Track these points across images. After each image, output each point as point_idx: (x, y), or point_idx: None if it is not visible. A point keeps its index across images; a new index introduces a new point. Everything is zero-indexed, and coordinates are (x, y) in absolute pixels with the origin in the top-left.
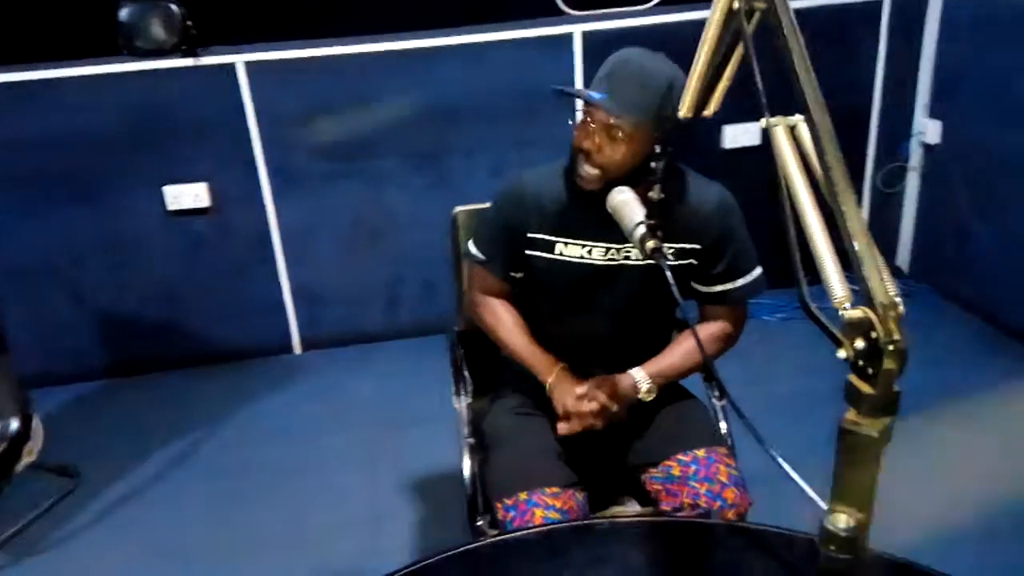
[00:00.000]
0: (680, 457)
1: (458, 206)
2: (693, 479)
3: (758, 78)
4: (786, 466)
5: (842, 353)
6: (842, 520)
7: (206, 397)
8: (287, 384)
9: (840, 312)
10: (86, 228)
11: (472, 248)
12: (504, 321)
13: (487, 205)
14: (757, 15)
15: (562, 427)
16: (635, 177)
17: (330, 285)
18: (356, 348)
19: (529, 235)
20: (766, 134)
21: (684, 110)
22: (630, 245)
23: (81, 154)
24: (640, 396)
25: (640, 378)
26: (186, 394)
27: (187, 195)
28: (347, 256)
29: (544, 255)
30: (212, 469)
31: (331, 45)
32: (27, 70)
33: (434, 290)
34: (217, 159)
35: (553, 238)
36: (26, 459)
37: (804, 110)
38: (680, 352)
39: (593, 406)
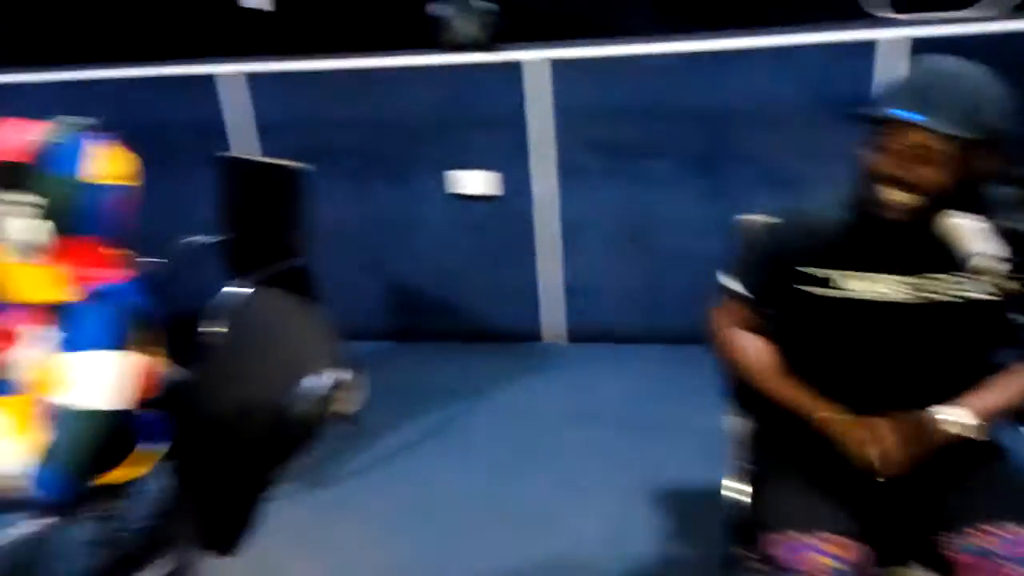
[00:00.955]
0: (997, 531)
1: (739, 215)
2: (1013, 560)
3: None
4: None
5: None
6: None
7: (472, 371)
8: (545, 372)
9: None
10: (385, 202)
11: (729, 280)
12: (761, 357)
13: (766, 219)
14: None
15: (863, 462)
16: (957, 202)
17: (598, 281)
18: (616, 346)
19: (799, 268)
20: None
21: None
22: (939, 279)
23: (387, 137)
24: (964, 434)
25: (957, 415)
26: (455, 365)
27: (472, 181)
28: (616, 254)
29: (818, 290)
30: (469, 439)
31: (629, 44)
32: (353, 59)
33: (700, 299)
34: (505, 149)
35: (831, 272)
36: (349, 407)
37: None
38: (1016, 385)
39: (897, 445)
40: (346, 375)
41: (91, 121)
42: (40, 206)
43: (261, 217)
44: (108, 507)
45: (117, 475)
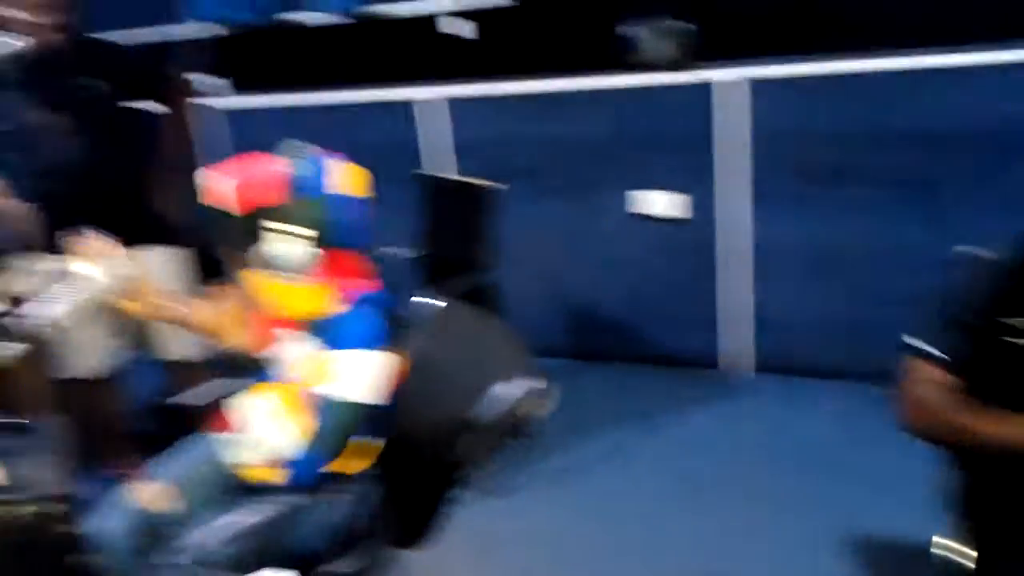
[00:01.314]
0: None
1: (960, 247)
2: None
3: None
4: None
5: None
6: None
7: (647, 395)
8: (726, 402)
9: None
10: (567, 221)
11: (918, 342)
12: (976, 415)
13: (989, 253)
14: None
15: None
16: None
17: (791, 310)
18: (805, 380)
19: (1007, 321)
20: None
21: None
22: None
23: (572, 156)
24: None
25: None
26: (631, 388)
27: (658, 203)
28: (813, 283)
29: None
30: (640, 466)
31: (838, 61)
32: (542, 81)
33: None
34: (693, 171)
35: None
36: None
37: None
38: None
39: None
40: (538, 383)
41: (306, 144)
42: (303, 229)
43: (454, 233)
44: (337, 493)
45: (347, 464)
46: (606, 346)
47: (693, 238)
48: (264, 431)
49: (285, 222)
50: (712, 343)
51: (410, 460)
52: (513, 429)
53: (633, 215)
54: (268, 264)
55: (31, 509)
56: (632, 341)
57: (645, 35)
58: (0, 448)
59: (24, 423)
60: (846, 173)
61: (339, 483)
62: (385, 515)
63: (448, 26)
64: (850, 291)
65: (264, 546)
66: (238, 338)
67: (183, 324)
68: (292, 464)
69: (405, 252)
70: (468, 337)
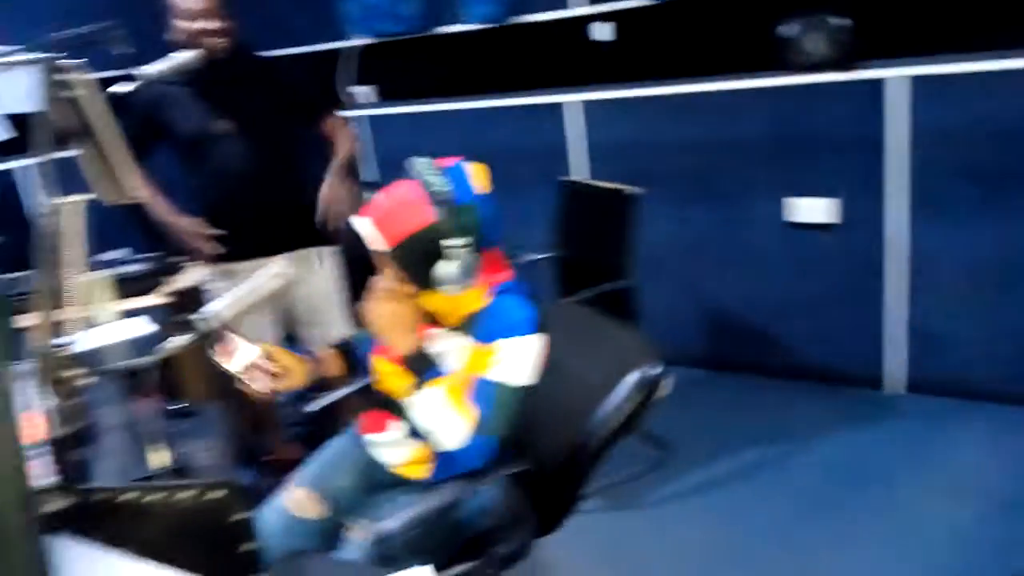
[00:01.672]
0: None
1: None
2: None
3: None
4: None
5: None
6: None
7: (794, 412)
8: (877, 422)
9: None
10: (710, 226)
11: None
12: None
13: None
14: None
15: None
16: None
17: (952, 326)
18: (973, 404)
19: None
20: None
21: None
22: None
23: (716, 159)
24: None
25: None
26: (776, 403)
27: (811, 209)
28: (976, 296)
29: None
30: (783, 486)
31: (1006, 58)
32: (690, 83)
33: None
34: (850, 176)
35: None
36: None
37: None
38: None
39: None
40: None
41: (429, 158)
42: (459, 239)
43: (593, 238)
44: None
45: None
46: (754, 358)
47: (847, 246)
48: (434, 424)
49: (442, 238)
50: (874, 361)
51: (544, 452)
52: (632, 418)
53: (785, 222)
54: (437, 284)
55: (196, 494)
56: (783, 354)
57: (801, 33)
58: (168, 432)
59: (190, 408)
60: (1014, 177)
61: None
62: (526, 501)
63: (597, 32)
64: (1018, 306)
65: (439, 532)
66: (404, 342)
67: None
68: (467, 451)
69: (541, 254)
70: (584, 335)
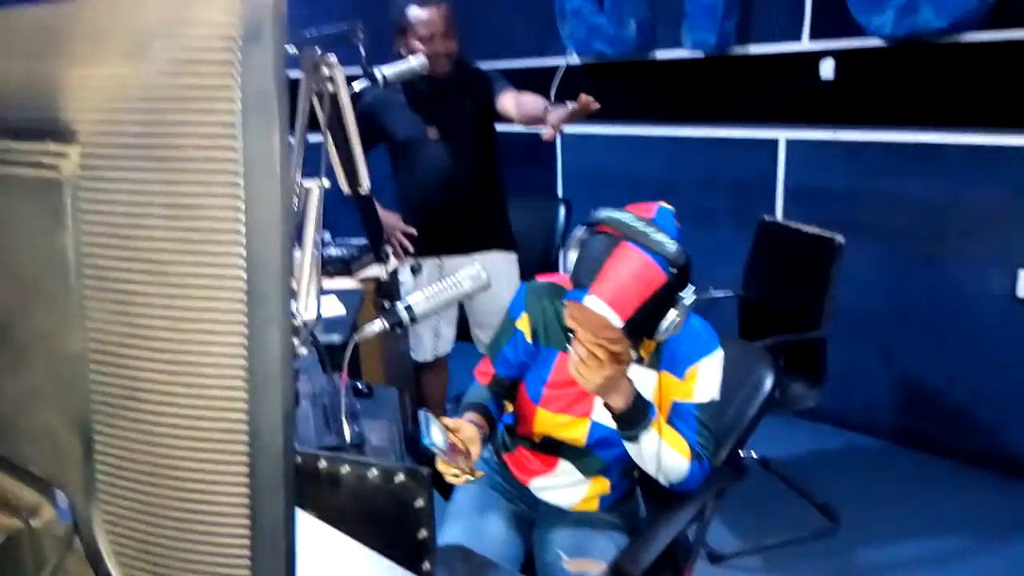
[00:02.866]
0: None
1: None
2: None
3: None
4: None
5: None
6: None
7: (986, 504)
8: None
9: None
10: (922, 290)
11: None
12: None
13: None
14: None
15: None
16: None
17: None
18: None
19: None
20: None
21: None
22: None
23: (938, 217)
24: None
25: None
26: (966, 491)
27: None
28: None
29: None
30: None
31: None
32: (928, 132)
33: None
34: None
35: None
36: None
37: None
38: None
39: None
40: None
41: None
42: (691, 288)
43: (786, 282)
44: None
45: None
46: (944, 438)
47: None
48: (656, 467)
49: (672, 294)
50: None
51: None
52: None
53: (1015, 297)
54: (660, 333)
55: (386, 474)
56: (976, 438)
57: None
58: (349, 408)
59: (369, 386)
60: None
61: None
62: None
63: (825, 70)
64: None
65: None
66: (623, 398)
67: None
68: (682, 484)
69: (727, 292)
70: None
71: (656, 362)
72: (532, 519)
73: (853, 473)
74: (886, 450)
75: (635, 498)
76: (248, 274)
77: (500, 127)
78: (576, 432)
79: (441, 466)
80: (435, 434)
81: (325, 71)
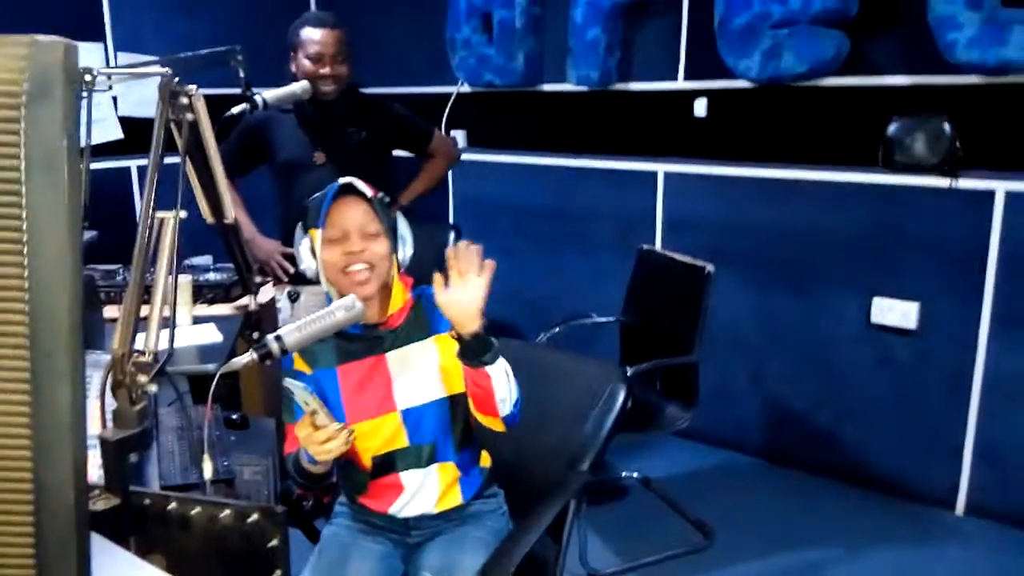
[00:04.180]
0: None
1: None
2: None
3: None
4: None
5: None
6: None
7: (849, 518)
8: (934, 543)
9: None
10: (788, 316)
11: None
12: None
13: None
14: None
15: None
16: None
17: (1020, 451)
18: None
19: None
20: None
21: None
22: None
23: (802, 248)
24: None
25: None
26: (831, 506)
27: (898, 312)
28: None
29: None
30: None
31: None
32: (792, 169)
33: None
34: (937, 283)
35: None
36: None
37: None
38: None
39: None
40: None
41: None
42: None
43: (662, 308)
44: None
45: None
46: (809, 455)
47: (930, 355)
48: (510, 377)
49: None
50: (934, 475)
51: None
52: None
53: (870, 322)
54: None
55: (239, 514)
56: (838, 454)
57: (906, 135)
58: (220, 441)
59: (244, 417)
60: None
61: None
62: None
63: (699, 108)
64: None
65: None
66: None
67: None
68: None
69: (608, 318)
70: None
71: (427, 332)
72: (409, 547)
73: (726, 490)
74: (757, 467)
75: (503, 513)
76: (31, 331)
77: (397, 153)
78: (391, 428)
79: (320, 428)
80: (305, 396)
81: (183, 99)
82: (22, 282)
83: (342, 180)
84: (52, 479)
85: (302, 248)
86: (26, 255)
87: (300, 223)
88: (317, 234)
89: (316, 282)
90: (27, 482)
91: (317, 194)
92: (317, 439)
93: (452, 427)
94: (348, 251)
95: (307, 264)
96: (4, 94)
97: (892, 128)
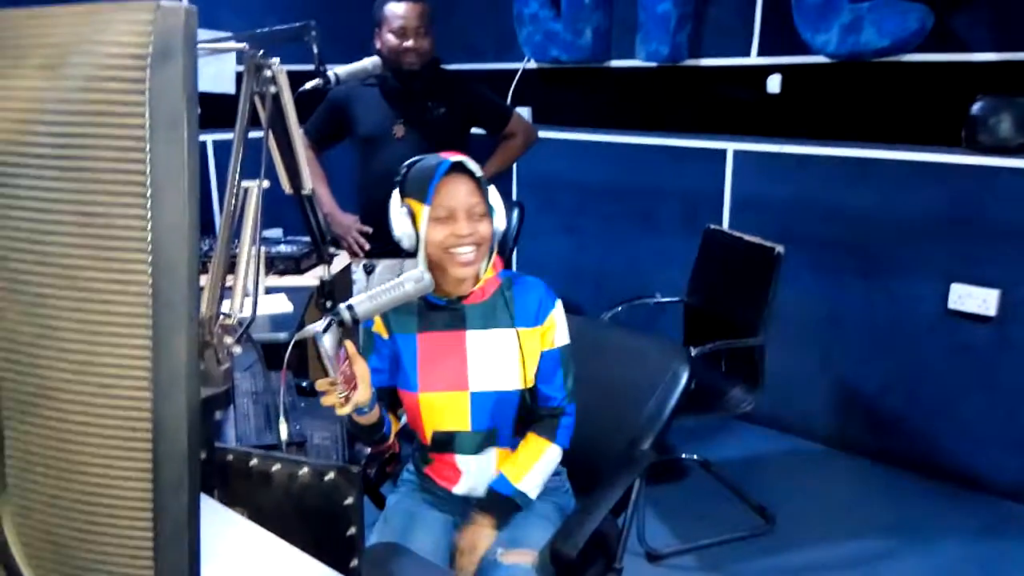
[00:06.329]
0: None
1: None
2: None
3: None
4: None
5: None
6: None
7: (917, 509)
8: (1007, 536)
9: None
10: (859, 300)
11: None
12: None
13: None
14: None
15: None
16: None
17: None
18: None
19: None
20: None
21: None
22: None
23: (877, 230)
24: None
25: None
26: (899, 496)
27: (977, 299)
28: None
29: None
30: None
31: None
32: (868, 148)
33: None
34: (1019, 270)
35: None
36: None
37: None
38: None
39: None
40: None
41: None
42: None
43: (729, 290)
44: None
45: None
46: (877, 443)
47: (1009, 344)
48: (547, 468)
49: None
50: (1008, 468)
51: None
52: None
53: (946, 309)
54: None
55: (316, 473)
56: (908, 444)
57: (992, 114)
58: (291, 406)
59: (313, 385)
60: None
61: None
62: None
63: (772, 84)
64: None
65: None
66: None
67: None
68: (564, 433)
69: (673, 298)
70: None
71: (510, 321)
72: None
73: (789, 476)
74: (822, 454)
75: (567, 491)
76: (154, 281)
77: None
78: (459, 407)
79: (319, 382)
80: (328, 339)
81: (267, 72)
82: (145, 234)
83: (453, 157)
84: (168, 424)
85: (398, 216)
86: (149, 208)
87: (397, 191)
88: (423, 210)
89: (403, 254)
90: (147, 421)
91: (422, 164)
92: (321, 386)
93: (515, 417)
94: (457, 233)
95: (402, 233)
96: (132, 56)
97: (977, 107)
